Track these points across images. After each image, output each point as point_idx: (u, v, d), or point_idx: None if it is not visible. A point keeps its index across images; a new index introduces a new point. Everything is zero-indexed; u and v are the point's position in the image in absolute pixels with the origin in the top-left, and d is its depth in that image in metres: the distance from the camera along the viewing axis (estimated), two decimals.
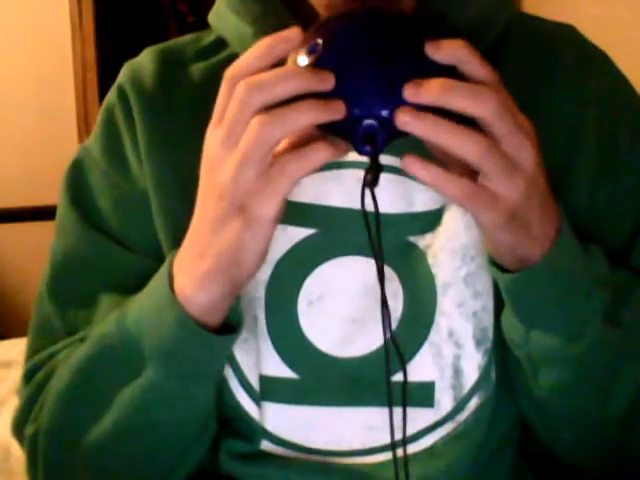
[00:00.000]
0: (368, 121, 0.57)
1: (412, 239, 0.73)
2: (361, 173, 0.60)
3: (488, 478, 0.75)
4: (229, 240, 0.61)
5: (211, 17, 0.80)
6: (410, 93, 0.56)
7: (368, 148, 0.58)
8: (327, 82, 0.57)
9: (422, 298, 0.72)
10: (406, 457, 0.68)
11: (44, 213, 2.52)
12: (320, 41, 0.58)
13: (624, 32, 1.93)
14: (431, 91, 0.56)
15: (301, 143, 0.58)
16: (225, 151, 0.59)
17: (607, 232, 0.74)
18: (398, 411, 0.68)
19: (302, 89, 0.57)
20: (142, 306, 0.69)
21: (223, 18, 0.78)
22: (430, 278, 0.72)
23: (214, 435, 0.75)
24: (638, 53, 1.74)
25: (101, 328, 0.72)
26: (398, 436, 0.68)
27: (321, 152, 0.58)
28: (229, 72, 0.59)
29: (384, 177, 0.60)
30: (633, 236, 0.74)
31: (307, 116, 0.57)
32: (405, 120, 0.56)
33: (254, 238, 0.61)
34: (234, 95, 0.58)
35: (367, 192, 0.61)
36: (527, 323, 0.67)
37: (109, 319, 0.71)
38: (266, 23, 0.73)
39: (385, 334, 0.67)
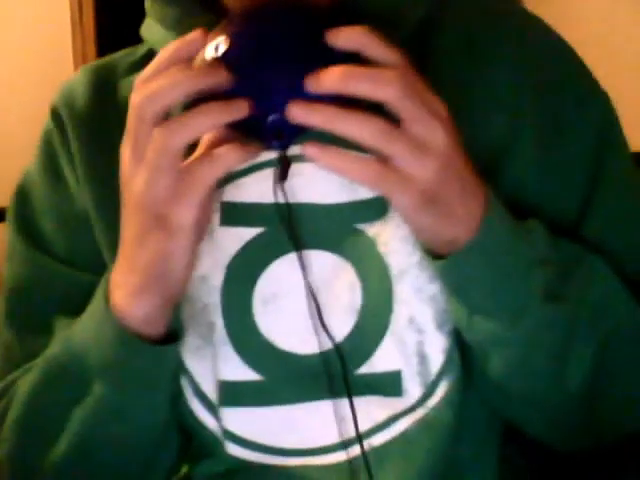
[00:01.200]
0: (273, 116, 0.57)
1: (360, 227, 0.71)
2: (297, 167, 0.62)
3: (472, 468, 0.75)
4: (153, 252, 0.62)
5: (142, 29, 0.80)
6: (311, 85, 0.56)
7: (276, 143, 0.59)
8: (222, 80, 0.57)
9: (378, 287, 0.71)
10: (363, 451, 0.70)
11: None
12: (223, 39, 0.59)
13: (624, 32, 1.93)
14: (330, 80, 0.56)
15: (217, 144, 0.59)
16: (135, 164, 0.60)
17: (556, 204, 0.72)
18: (367, 401, 0.70)
19: (196, 90, 0.57)
20: (84, 325, 0.70)
21: (150, 28, 0.78)
22: (384, 266, 0.71)
23: (176, 448, 0.75)
24: (638, 53, 1.74)
25: (48, 352, 0.73)
26: (373, 425, 0.71)
27: (230, 155, 0.58)
28: (135, 84, 0.60)
29: (316, 170, 0.60)
30: (584, 206, 0.73)
31: (207, 119, 0.57)
32: (297, 114, 0.56)
33: (177, 246, 0.61)
34: (132, 107, 0.59)
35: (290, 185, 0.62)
36: (466, 307, 0.66)
37: (55, 342, 0.72)
38: (183, 26, 0.73)
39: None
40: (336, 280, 0.71)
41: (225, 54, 0.58)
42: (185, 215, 0.60)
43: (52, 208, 0.78)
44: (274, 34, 0.59)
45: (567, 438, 0.74)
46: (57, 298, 0.76)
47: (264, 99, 0.58)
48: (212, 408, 0.73)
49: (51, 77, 2.82)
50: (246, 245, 0.72)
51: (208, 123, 0.58)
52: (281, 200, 0.68)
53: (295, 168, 0.69)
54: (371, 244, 0.71)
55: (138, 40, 0.82)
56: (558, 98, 0.74)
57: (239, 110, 0.57)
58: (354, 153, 0.58)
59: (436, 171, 0.58)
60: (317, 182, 0.69)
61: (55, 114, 0.80)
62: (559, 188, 0.73)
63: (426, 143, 0.58)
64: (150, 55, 0.77)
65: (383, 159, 0.58)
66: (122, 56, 0.82)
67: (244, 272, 0.72)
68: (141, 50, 0.80)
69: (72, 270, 0.77)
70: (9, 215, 0.81)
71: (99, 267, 0.74)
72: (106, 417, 0.69)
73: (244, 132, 0.59)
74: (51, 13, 2.78)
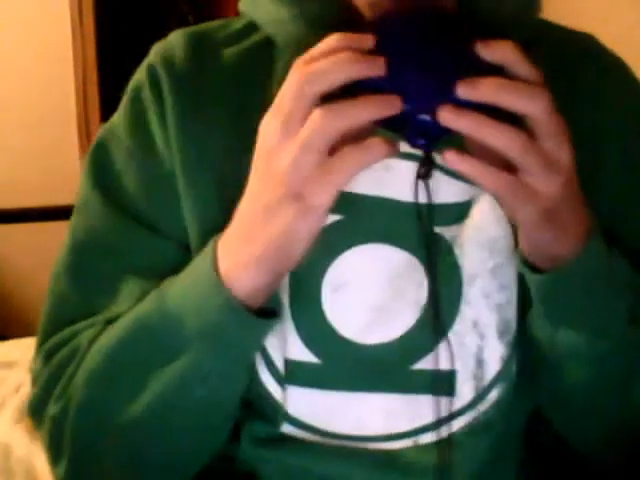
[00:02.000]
0: (422, 116, 0.59)
1: (438, 230, 0.73)
2: (387, 162, 0.63)
3: (497, 473, 0.76)
4: (281, 227, 0.62)
5: (242, 3, 0.80)
6: (464, 90, 0.58)
7: (422, 141, 0.60)
8: (380, 68, 0.58)
9: (447, 288, 0.73)
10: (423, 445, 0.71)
11: (45, 214, 2.52)
12: (374, 38, 0.60)
13: (625, 31, 1.93)
14: (485, 89, 0.58)
15: (356, 136, 0.60)
16: (283, 139, 0.60)
17: (629, 233, 0.75)
18: (419, 398, 0.72)
19: (356, 77, 0.58)
20: (184, 288, 0.69)
21: (256, 2, 0.78)
22: (456, 269, 0.73)
23: (237, 418, 0.75)
24: (638, 53, 1.74)
25: (139, 308, 0.72)
26: (422, 423, 0.72)
27: (380, 147, 0.59)
28: (296, 62, 0.61)
29: (410, 169, 0.63)
30: None
31: (367, 111, 0.58)
32: (448, 117, 0.58)
33: (306, 227, 0.62)
34: (291, 84, 0.60)
35: (420, 185, 0.65)
36: (554, 321, 0.68)
37: (148, 300, 0.71)
38: (303, 5, 0.74)
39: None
40: (404, 276, 0.73)
41: (379, 51, 0.60)
42: (323, 198, 0.60)
43: (137, 167, 0.76)
44: (427, 36, 0.61)
45: (610, 452, 0.76)
46: (130, 258, 0.75)
47: (415, 98, 0.59)
48: (280, 382, 0.74)
49: (51, 77, 2.83)
50: (321, 230, 0.71)
51: (368, 115, 0.59)
52: (423, 200, 0.70)
53: (382, 162, 0.71)
54: (446, 246, 0.73)
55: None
56: (636, 140, 0.78)
57: (395, 106, 0.58)
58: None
59: (561, 189, 0.60)
60: (401, 180, 0.71)
61: (152, 70, 0.78)
62: (630, 220, 0.76)
63: (556, 160, 0.60)
64: (249, 27, 0.78)
65: (514, 172, 0.60)
66: (217, 27, 0.81)
67: (316, 257, 0.71)
68: (237, 23, 0.80)
69: (150, 232, 0.75)
70: (84, 167, 0.79)
71: (179, 232, 0.74)
72: (193, 383, 0.69)
73: (386, 127, 0.60)
74: (51, 13, 2.78)
